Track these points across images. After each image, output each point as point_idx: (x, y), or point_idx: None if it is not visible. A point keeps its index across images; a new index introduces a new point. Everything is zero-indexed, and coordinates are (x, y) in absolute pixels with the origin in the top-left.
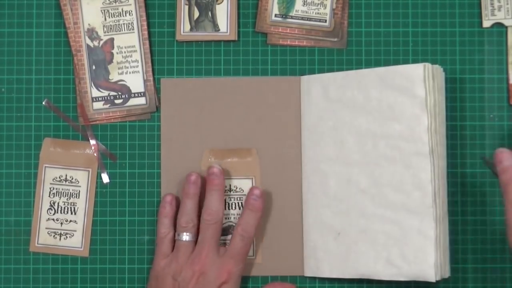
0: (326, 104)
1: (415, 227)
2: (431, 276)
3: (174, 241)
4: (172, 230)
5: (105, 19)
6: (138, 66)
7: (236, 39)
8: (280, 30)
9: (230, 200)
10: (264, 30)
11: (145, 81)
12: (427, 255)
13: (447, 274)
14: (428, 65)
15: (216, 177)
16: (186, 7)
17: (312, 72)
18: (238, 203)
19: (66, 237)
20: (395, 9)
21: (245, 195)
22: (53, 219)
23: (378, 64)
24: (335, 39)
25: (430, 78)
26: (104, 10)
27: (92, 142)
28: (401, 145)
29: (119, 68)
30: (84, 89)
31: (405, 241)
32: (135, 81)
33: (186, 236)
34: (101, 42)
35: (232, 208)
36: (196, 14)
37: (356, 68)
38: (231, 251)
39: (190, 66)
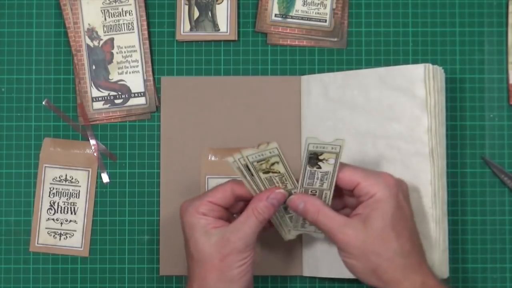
0: (326, 104)
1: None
2: None
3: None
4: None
5: (105, 19)
6: (138, 66)
7: (236, 39)
8: (280, 30)
9: None
10: (264, 30)
11: (145, 81)
12: (427, 256)
13: (446, 274)
14: (429, 65)
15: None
16: (186, 7)
17: (312, 72)
18: None
19: (66, 237)
20: (395, 9)
21: None
22: (53, 219)
23: (378, 64)
24: (335, 39)
25: (431, 78)
26: (104, 10)
27: (92, 142)
28: (400, 145)
29: (119, 68)
30: (84, 89)
31: None
32: (135, 81)
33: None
34: (101, 42)
35: None
36: (196, 14)
37: (356, 68)
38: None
39: (190, 66)
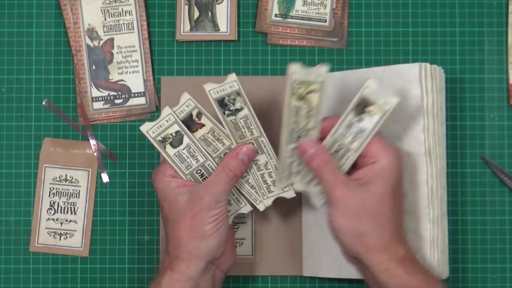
0: (325, 103)
1: (411, 227)
2: None
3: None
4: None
5: (105, 19)
6: (138, 66)
7: (236, 39)
8: (280, 30)
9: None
10: (264, 30)
11: (145, 81)
12: (423, 256)
13: (446, 274)
14: (426, 64)
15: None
16: (186, 7)
17: None
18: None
19: (66, 237)
20: (395, 9)
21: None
22: (53, 219)
23: (378, 64)
24: (335, 39)
25: (428, 77)
26: (104, 10)
27: (92, 142)
28: (397, 144)
29: (119, 68)
30: (84, 89)
31: None
32: (135, 81)
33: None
34: (101, 42)
35: None
36: (196, 14)
37: (356, 68)
38: None
39: (190, 66)
